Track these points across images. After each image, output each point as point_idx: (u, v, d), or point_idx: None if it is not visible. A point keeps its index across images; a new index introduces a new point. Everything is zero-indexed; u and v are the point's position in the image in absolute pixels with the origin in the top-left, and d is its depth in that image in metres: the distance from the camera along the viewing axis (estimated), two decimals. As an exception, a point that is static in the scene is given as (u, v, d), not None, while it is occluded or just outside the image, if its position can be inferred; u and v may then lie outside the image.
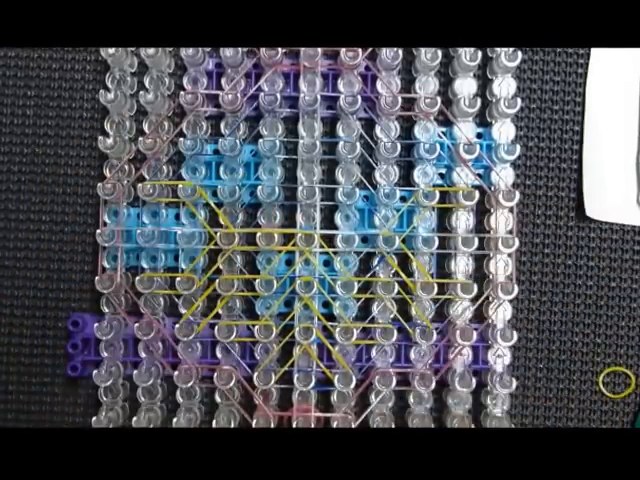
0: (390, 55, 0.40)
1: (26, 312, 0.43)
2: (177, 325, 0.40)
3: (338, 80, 0.40)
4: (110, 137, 0.40)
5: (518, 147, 0.40)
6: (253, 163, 0.41)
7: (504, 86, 0.41)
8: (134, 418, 0.40)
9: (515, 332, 0.40)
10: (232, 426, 0.39)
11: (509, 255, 0.40)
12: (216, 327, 0.39)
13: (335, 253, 0.40)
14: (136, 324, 0.40)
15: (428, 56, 0.40)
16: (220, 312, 0.40)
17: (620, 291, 0.42)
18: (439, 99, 0.40)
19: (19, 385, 0.42)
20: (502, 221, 0.40)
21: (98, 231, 0.40)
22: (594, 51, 0.43)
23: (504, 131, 0.41)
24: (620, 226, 0.42)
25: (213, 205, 0.40)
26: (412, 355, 0.40)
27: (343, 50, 0.39)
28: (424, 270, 0.40)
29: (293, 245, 0.39)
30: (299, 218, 0.40)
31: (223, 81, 0.41)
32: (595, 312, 0.42)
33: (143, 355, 0.40)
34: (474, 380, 0.39)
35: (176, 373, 0.39)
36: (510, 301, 0.40)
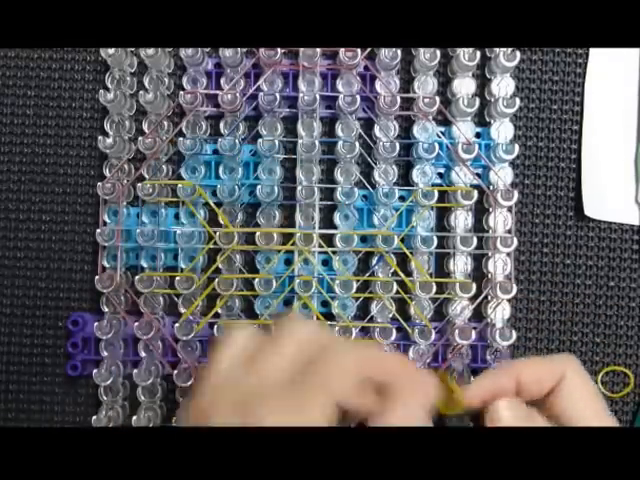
0: (389, 55, 0.40)
1: (26, 312, 0.43)
2: (177, 324, 0.40)
3: (337, 80, 0.40)
4: (110, 137, 0.40)
5: (517, 147, 0.40)
6: (252, 163, 0.41)
7: (503, 86, 0.41)
8: (134, 417, 0.40)
9: (514, 331, 0.40)
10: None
11: (508, 254, 0.40)
12: (215, 326, 0.40)
13: (334, 252, 0.40)
14: (136, 323, 0.40)
15: (427, 56, 0.40)
16: (219, 311, 0.40)
17: (619, 290, 0.42)
18: (438, 99, 0.40)
19: (19, 385, 0.43)
20: (501, 220, 0.40)
21: (98, 231, 0.40)
22: (593, 51, 0.43)
23: (503, 131, 0.41)
24: (619, 225, 0.42)
25: (212, 205, 0.40)
26: (411, 354, 0.40)
27: (342, 50, 0.39)
28: (423, 269, 0.40)
29: (292, 245, 0.39)
30: (298, 218, 0.40)
31: (222, 81, 0.41)
32: (594, 311, 0.42)
33: (143, 354, 0.40)
34: (473, 379, 0.40)
35: (176, 372, 0.39)
36: (509, 300, 0.40)
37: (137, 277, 0.40)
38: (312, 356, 0.27)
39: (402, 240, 0.40)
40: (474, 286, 0.40)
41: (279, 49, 0.39)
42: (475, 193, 0.40)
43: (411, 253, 0.40)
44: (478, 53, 0.40)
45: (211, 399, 0.26)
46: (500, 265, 0.40)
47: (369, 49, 0.40)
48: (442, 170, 0.41)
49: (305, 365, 0.27)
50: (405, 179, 0.42)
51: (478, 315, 0.41)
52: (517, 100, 0.40)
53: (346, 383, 0.26)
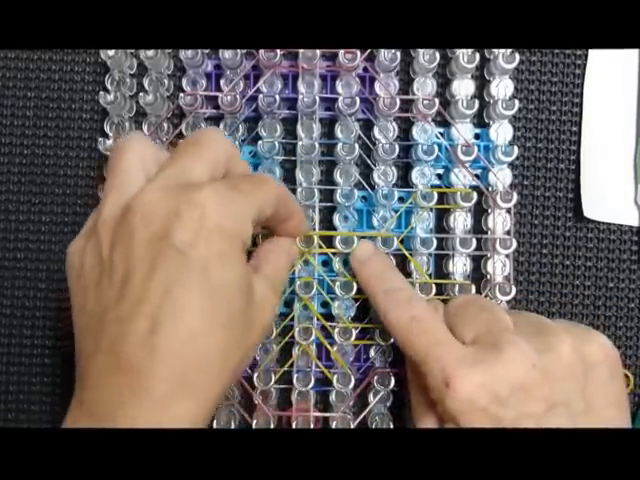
0: (388, 57, 0.40)
1: (26, 312, 0.43)
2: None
3: (336, 82, 0.40)
4: (110, 138, 0.41)
5: (516, 148, 0.40)
6: (252, 164, 0.41)
7: (502, 87, 0.41)
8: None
9: (513, 332, 0.40)
10: (232, 426, 0.40)
11: (507, 256, 0.40)
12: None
13: (334, 254, 0.40)
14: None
15: (426, 58, 0.40)
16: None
17: (618, 291, 0.43)
18: (437, 100, 0.40)
19: (19, 385, 0.43)
20: (500, 222, 0.40)
21: (98, 232, 0.40)
22: (592, 52, 0.43)
23: (502, 132, 0.41)
24: (618, 226, 0.43)
25: (212, 206, 0.40)
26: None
27: (341, 52, 0.39)
28: (422, 270, 0.40)
29: (292, 246, 0.39)
30: (298, 219, 0.40)
31: (222, 82, 0.41)
32: (593, 312, 0.43)
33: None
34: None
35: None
36: (508, 302, 0.40)
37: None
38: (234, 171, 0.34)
39: (401, 241, 0.40)
40: (473, 287, 0.40)
41: (278, 51, 0.39)
42: (474, 194, 0.40)
43: (410, 254, 0.40)
44: (477, 55, 0.40)
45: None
46: (499, 266, 0.40)
47: (368, 51, 0.40)
48: (441, 171, 0.41)
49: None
50: (404, 180, 0.42)
51: (477, 316, 0.41)
52: (516, 102, 0.40)
53: (270, 197, 0.34)
